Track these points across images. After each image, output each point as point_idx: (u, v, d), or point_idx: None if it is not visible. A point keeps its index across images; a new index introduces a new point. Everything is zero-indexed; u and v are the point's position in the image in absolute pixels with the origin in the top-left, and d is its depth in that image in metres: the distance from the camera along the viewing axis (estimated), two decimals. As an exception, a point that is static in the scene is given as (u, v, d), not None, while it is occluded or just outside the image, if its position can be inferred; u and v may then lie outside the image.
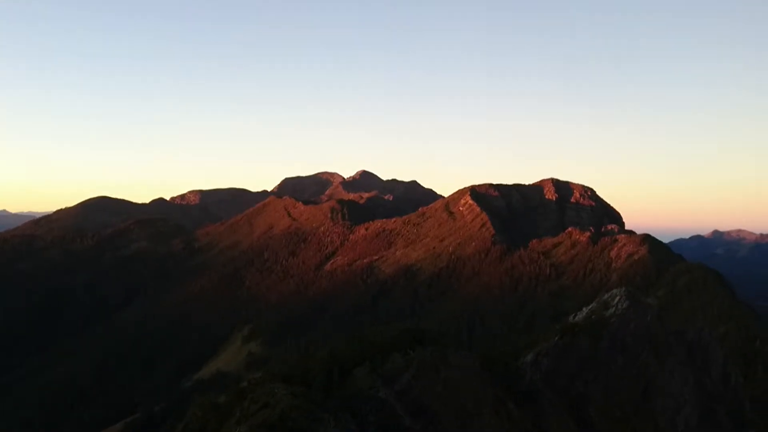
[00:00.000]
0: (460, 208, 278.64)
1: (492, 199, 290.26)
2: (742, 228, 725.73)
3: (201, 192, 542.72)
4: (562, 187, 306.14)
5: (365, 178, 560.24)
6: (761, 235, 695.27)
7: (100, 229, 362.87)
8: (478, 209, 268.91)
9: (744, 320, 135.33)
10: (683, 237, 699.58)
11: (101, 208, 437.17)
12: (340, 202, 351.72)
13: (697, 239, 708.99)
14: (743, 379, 47.66)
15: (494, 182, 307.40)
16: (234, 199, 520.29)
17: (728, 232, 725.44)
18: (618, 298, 36.00)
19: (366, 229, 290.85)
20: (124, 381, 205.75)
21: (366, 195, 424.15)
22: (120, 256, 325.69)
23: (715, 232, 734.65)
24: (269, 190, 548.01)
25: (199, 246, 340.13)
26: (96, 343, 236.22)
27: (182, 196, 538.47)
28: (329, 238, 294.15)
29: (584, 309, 37.72)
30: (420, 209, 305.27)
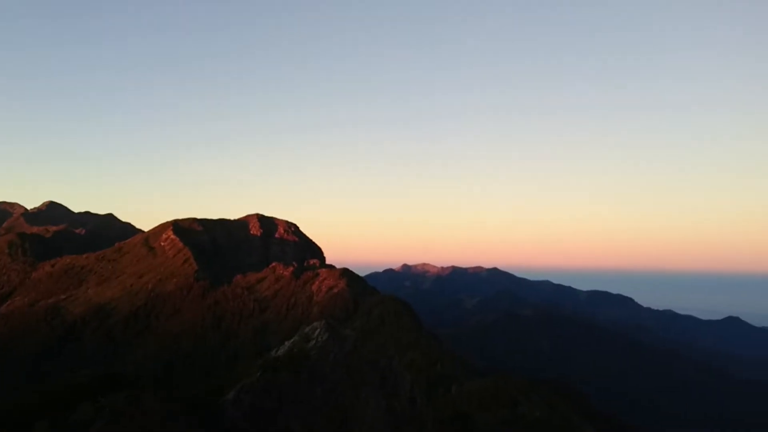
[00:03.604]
0: (162, 243, 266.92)
1: (196, 234, 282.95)
2: (427, 262, 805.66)
3: None
4: (267, 223, 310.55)
5: (52, 210, 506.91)
6: (442, 268, 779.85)
7: None
8: (180, 244, 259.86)
9: (428, 347, 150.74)
10: (377, 270, 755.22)
11: None
12: (21, 235, 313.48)
13: (389, 272, 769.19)
14: (427, 400, 52.30)
15: (198, 217, 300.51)
16: None
17: (415, 266, 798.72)
18: (318, 330, 37.02)
19: (52, 266, 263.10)
20: None
21: (53, 228, 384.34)
22: None
23: (404, 266, 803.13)
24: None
25: None
26: None
27: None
28: (6, 277, 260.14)
29: (286, 343, 38.11)
30: (117, 244, 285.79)
